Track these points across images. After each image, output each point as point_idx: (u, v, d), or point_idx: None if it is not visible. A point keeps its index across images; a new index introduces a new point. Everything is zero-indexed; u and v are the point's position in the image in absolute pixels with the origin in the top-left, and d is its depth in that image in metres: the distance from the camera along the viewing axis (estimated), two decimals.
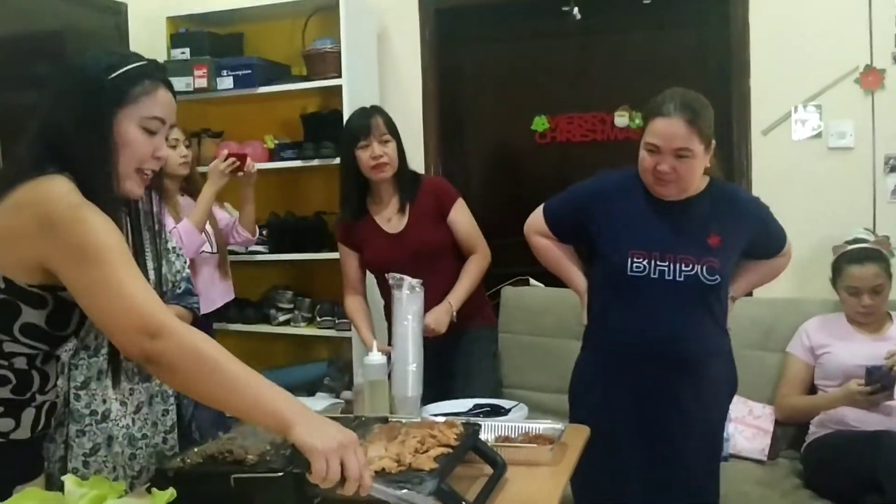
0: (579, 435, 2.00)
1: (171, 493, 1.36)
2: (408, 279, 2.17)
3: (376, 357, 2.13)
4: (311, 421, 1.38)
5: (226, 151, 3.43)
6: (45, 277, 1.47)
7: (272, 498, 1.43)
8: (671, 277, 2.28)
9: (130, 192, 1.57)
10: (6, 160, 1.56)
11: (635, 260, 2.30)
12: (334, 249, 3.85)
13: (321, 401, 2.89)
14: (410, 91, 4.06)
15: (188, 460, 1.59)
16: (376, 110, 3.02)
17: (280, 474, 1.45)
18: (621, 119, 3.89)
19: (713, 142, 2.28)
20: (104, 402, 2.10)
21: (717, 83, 3.72)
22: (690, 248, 2.29)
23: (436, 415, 2.04)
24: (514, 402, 2.16)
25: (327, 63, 3.79)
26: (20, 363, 1.54)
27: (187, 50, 4.03)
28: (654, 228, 2.32)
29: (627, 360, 2.34)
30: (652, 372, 2.32)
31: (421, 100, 4.05)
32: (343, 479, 1.36)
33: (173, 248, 2.35)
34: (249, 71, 3.92)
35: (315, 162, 3.86)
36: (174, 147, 3.30)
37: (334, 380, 3.90)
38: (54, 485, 1.98)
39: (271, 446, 1.62)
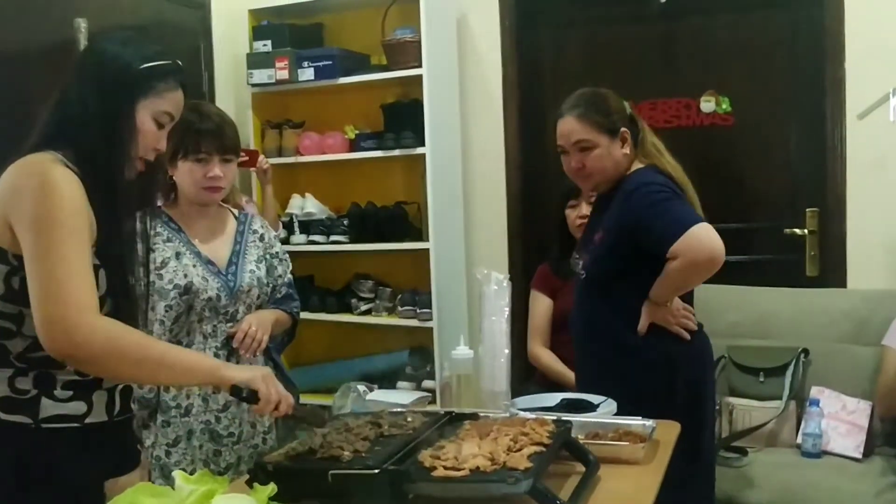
0: (671, 431, 1.97)
1: (272, 487, 1.39)
2: (495, 274, 2.16)
3: (465, 350, 2.14)
4: (230, 365, 1.71)
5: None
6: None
7: (368, 494, 1.44)
8: (578, 269, 2.46)
9: (129, 176, 1.62)
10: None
11: (575, 256, 2.52)
12: (415, 239, 3.90)
13: (406, 393, 2.92)
14: (490, 79, 4.03)
15: (286, 455, 1.61)
16: None
17: (376, 471, 1.46)
18: (707, 104, 3.80)
19: (623, 130, 2.36)
20: (188, 397, 2.16)
21: (809, 66, 3.62)
22: (587, 244, 2.43)
23: (524, 409, 2.02)
24: (602, 398, 2.13)
25: (407, 52, 3.79)
26: None
27: (269, 42, 4.07)
28: (589, 226, 2.53)
29: (574, 345, 2.54)
30: (588, 356, 2.47)
31: (501, 88, 4.02)
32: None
33: (276, 252, 2.40)
34: (330, 62, 3.95)
35: (396, 152, 3.87)
36: None
37: (415, 370, 3.92)
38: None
39: (367, 442, 1.64)
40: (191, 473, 1.40)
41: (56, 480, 1.54)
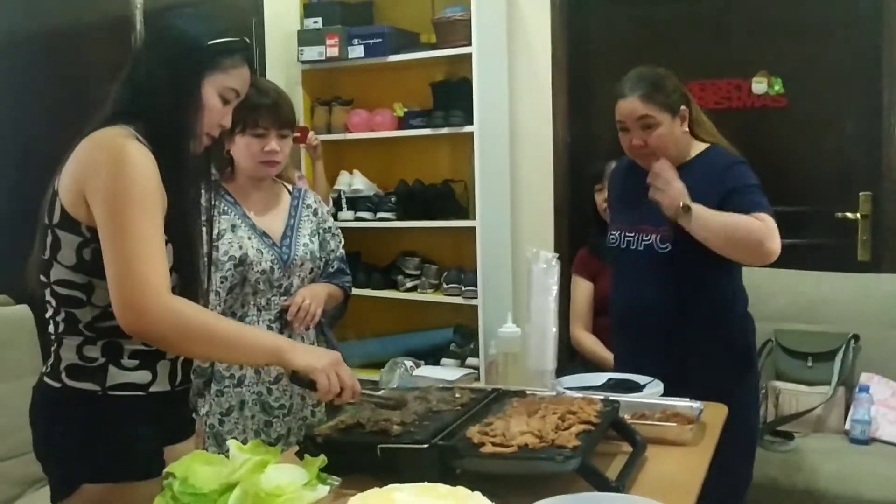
0: (718, 414, 1.96)
1: (322, 459, 1.42)
2: (543, 252, 2.16)
3: (512, 328, 2.15)
4: (299, 347, 1.65)
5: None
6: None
7: (417, 468, 1.46)
8: (634, 248, 2.40)
9: (195, 151, 1.65)
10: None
11: (612, 232, 2.49)
12: (462, 217, 3.91)
13: (452, 369, 2.93)
14: (539, 57, 4.01)
15: (335, 428, 1.64)
16: (612, 157, 3.06)
17: (425, 446, 1.48)
18: (759, 85, 3.73)
19: (683, 109, 2.37)
20: (241, 368, 2.21)
21: (866, 47, 3.53)
22: (653, 219, 2.36)
23: (570, 388, 2.03)
24: (649, 378, 2.13)
25: (457, 31, 3.79)
26: None
27: (319, 20, 4.10)
28: (633, 202, 2.46)
29: (616, 325, 2.56)
30: (632, 337, 2.45)
31: (550, 66, 3.99)
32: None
33: (329, 227, 2.43)
34: (380, 39, 3.96)
35: (444, 130, 3.88)
36: None
37: (459, 347, 3.95)
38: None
39: (416, 417, 1.65)
40: (243, 443, 1.43)
41: (120, 446, 1.58)
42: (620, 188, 2.59)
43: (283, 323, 2.24)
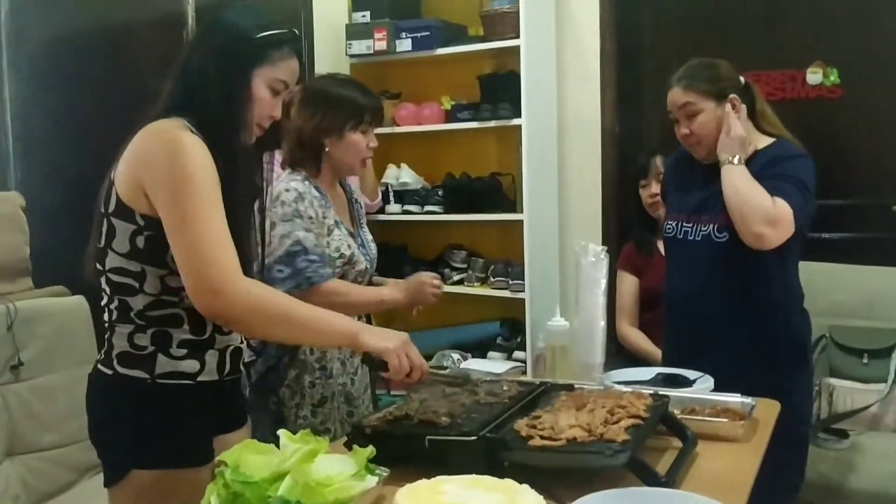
0: (771, 410, 1.93)
1: (370, 450, 1.42)
2: (592, 246, 2.15)
3: (560, 321, 2.14)
4: (372, 329, 1.70)
5: None
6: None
7: (464, 460, 1.45)
8: (692, 238, 2.38)
9: (245, 143, 1.67)
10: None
11: (669, 222, 2.47)
12: (509, 210, 3.90)
13: (499, 362, 2.93)
14: (588, 50, 3.98)
15: (384, 419, 1.65)
16: (657, 152, 3.12)
17: (474, 438, 1.48)
18: (814, 76, 3.66)
19: (732, 97, 2.33)
20: (330, 360, 2.23)
21: None
22: (712, 209, 2.33)
23: (619, 382, 2.01)
24: (699, 374, 2.10)
25: (505, 23, 3.77)
26: (189, 298, 1.61)
27: (368, 13, 4.11)
28: (690, 192, 2.44)
29: (668, 318, 2.52)
30: (685, 329, 2.42)
31: (598, 59, 3.96)
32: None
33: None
34: (428, 33, 3.96)
35: (491, 123, 3.87)
36: None
37: (506, 340, 3.94)
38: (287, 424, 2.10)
39: (462, 409, 1.66)
40: (333, 434, 1.44)
41: (168, 433, 1.61)
42: (677, 177, 2.56)
43: (367, 319, 2.30)
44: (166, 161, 1.53)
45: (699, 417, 1.79)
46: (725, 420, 1.77)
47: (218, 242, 1.53)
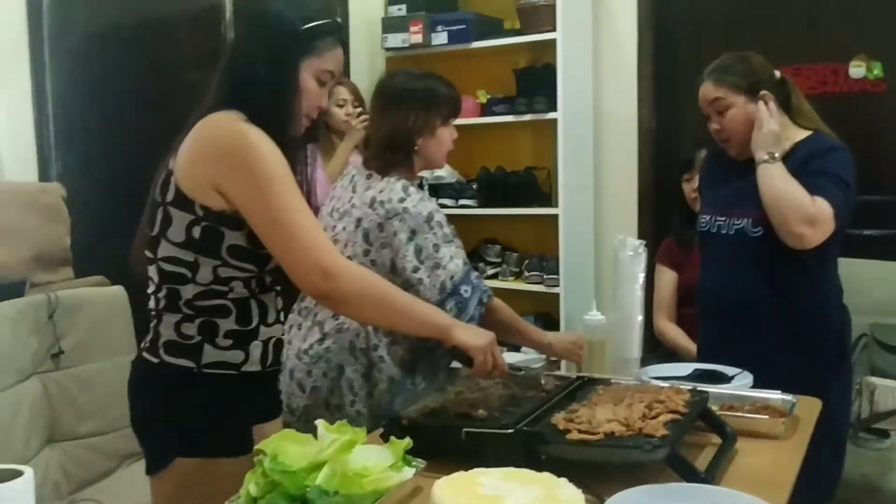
0: (811, 408, 1.90)
1: (407, 442, 1.42)
2: (630, 240, 2.12)
3: (597, 316, 2.12)
4: (461, 325, 1.79)
5: (359, 109, 3.47)
6: (227, 203, 1.58)
7: (501, 453, 1.44)
8: (725, 232, 2.35)
9: (294, 135, 1.69)
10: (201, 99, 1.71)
11: (703, 216, 2.45)
12: (544, 205, 3.88)
13: (532, 356, 2.92)
14: (625, 44, 3.94)
15: (420, 411, 1.64)
16: (702, 145, 3.04)
17: (511, 431, 1.48)
18: (857, 70, 3.59)
19: (764, 93, 2.29)
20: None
21: None
22: (746, 204, 2.30)
23: (655, 378, 1.99)
24: (737, 370, 2.08)
25: (541, 16, 3.75)
26: (239, 290, 1.64)
27: (403, 6, 4.11)
28: (724, 187, 2.42)
29: (702, 313, 2.51)
30: (717, 325, 2.41)
31: (636, 53, 3.92)
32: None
33: None
34: (463, 26, 3.95)
35: (527, 117, 3.85)
36: (341, 106, 3.40)
37: None
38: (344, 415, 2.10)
39: (499, 402, 1.65)
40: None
41: (212, 422, 1.63)
42: (712, 171, 2.54)
43: None
44: (242, 157, 1.55)
45: (739, 414, 1.77)
46: (766, 417, 1.75)
47: (315, 228, 1.60)
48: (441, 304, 2.06)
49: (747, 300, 2.32)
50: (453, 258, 2.11)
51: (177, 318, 1.63)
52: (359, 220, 2.16)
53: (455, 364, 2.05)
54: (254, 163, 1.55)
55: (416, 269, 2.08)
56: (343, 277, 1.59)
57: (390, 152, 2.20)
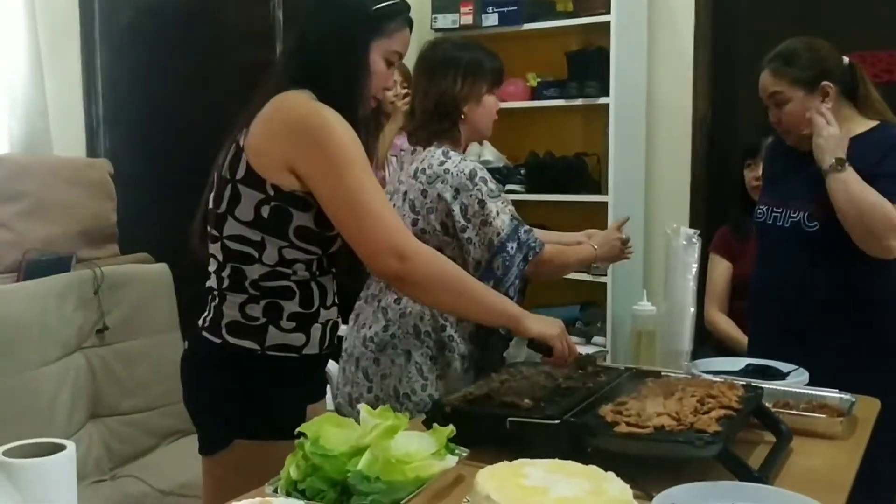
0: (870, 408, 1.83)
1: (450, 429, 1.39)
2: (684, 229, 2.06)
3: (647, 306, 2.07)
4: (531, 316, 1.75)
5: (403, 91, 3.41)
6: (299, 183, 1.56)
7: (546, 444, 1.41)
8: (780, 224, 2.29)
9: (363, 115, 1.68)
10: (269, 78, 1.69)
11: (760, 206, 2.38)
12: (593, 192, 3.81)
13: (579, 347, 2.87)
14: (682, 28, 3.84)
15: (464, 399, 1.61)
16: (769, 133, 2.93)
17: (557, 422, 1.43)
18: None
19: (825, 84, 2.21)
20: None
21: None
22: (803, 195, 2.24)
23: (706, 372, 1.93)
24: (792, 366, 2.01)
25: None
26: (301, 272, 1.62)
27: None
28: (783, 178, 2.36)
29: (754, 306, 2.45)
30: (770, 319, 2.34)
31: (693, 38, 3.82)
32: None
33: None
34: (515, 7, 3.89)
35: (578, 101, 3.78)
36: (390, 88, 3.34)
37: (585, 325, 3.87)
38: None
39: (544, 392, 1.61)
40: None
41: (273, 404, 1.62)
42: (774, 161, 2.46)
43: None
44: (317, 136, 1.54)
45: (794, 412, 1.71)
46: (823, 416, 1.68)
47: (390, 210, 1.58)
48: (489, 263, 2.07)
49: (801, 295, 2.25)
50: (500, 213, 2.09)
51: (242, 298, 1.62)
52: (405, 194, 2.16)
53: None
54: (329, 142, 1.53)
55: (463, 229, 2.08)
56: (417, 259, 1.56)
57: (437, 121, 2.19)
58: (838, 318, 2.21)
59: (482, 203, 2.07)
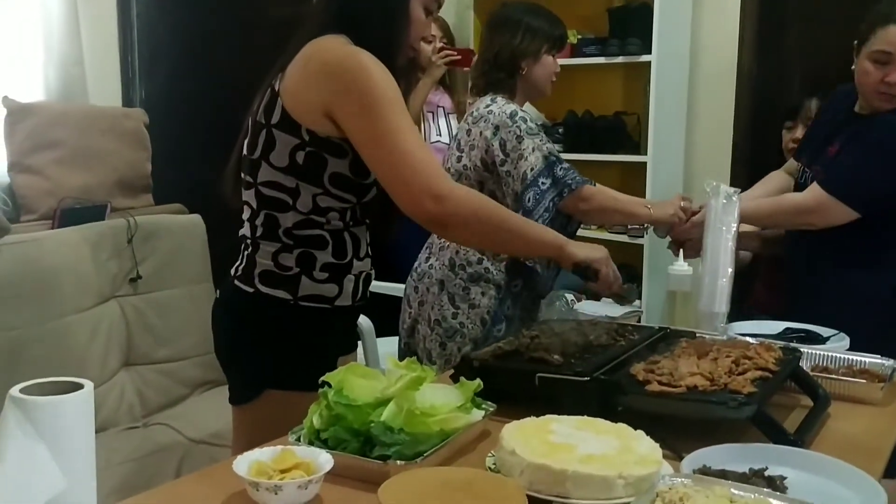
0: None
1: (478, 383, 1.36)
2: (724, 187, 2.00)
3: (683, 266, 2.01)
4: (573, 243, 1.73)
5: (440, 44, 3.36)
6: (335, 128, 1.54)
7: (575, 401, 1.38)
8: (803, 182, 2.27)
9: (401, 64, 1.63)
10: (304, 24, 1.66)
11: (801, 168, 2.36)
12: (632, 152, 3.74)
13: (612, 306, 2.83)
14: None
15: (492, 353, 1.58)
16: (813, 94, 2.95)
17: (587, 379, 1.40)
18: None
19: None
20: None
21: None
22: (825, 160, 2.22)
23: (743, 335, 1.88)
24: (833, 331, 1.95)
25: None
26: (335, 221, 1.60)
27: None
28: (822, 139, 2.29)
29: (786, 269, 2.41)
30: (798, 283, 2.33)
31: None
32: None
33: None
34: None
35: (619, 59, 3.70)
36: (429, 42, 3.30)
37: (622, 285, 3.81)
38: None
39: (575, 348, 1.58)
40: None
41: (305, 355, 1.61)
42: (821, 120, 2.39)
43: None
44: (353, 79, 1.51)
45: (833, 377, 1.66)
46: (863, 381, 1.63)
47: (426, 152, 1.55)
48: (521, 194, 2.18)
49: (835, 260, 2.20)
50: (535, 150, 2.20)
51: (275, 247, 1.60)
52: (456, 136, 2.38)
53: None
54: (365, 84, 1.50)
55: (502, 163, 2.22)
56: (454, 200, 1.53)
57: (495, 70, 2.33)
58: (878, 280, 2.16)
59: (520, 139, 2.20)
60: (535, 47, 2.31)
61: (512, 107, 2.26)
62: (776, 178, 2.54)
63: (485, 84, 2.36)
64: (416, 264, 2.41)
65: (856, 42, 2.19)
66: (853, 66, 2.21)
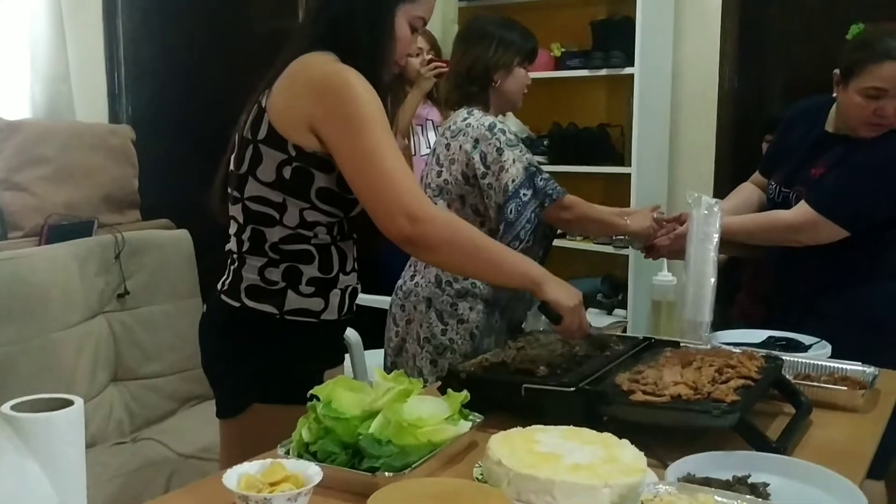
0: (893, 381, 1.79)
1: (465, 395, 1.38)
2: (705, 198, 2.03)
3: (668, 276, 2.04)
4: (553, 280, 1.66)
5: (429, 56, 3.38)
6: (321, 144, 1.55)
7: (561, 411, 1.40)
8: (792, 206, 2.24)
9: (387, 79, 1.65)
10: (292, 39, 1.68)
11: (771, 183, 2.35)
12: (616, 163, 3.77)
13: (599, 317, 2.86)
14: None
15: (479, 365, 1.60)
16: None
17: (572, 389, 1.42)
18: None
19: None
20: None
21: None
22: (807, 179, 2.21)
23: (727, 343, 1.91)
24: (815, 339, 1.98)
25: None
26: (322, 235, 1.61)
27: None
28: (794, 155, 2.30)
29: (769, 281, 2.41)
30: (780, 295, 2.33)
31: (720, 6, 3.74)
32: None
33: None
34: None
35: (602, 72, 3.74)
36: (417, 55, 3.32)
37: (606, 297, 3.85)
38: None
39: (561, 360, 1.59)
40: None
41: (291, 369, 1.62)
42: (792, 134, 2.37)
43: None
44: (338, 96, 1.52)
45: (815, 384, 1.68)
46: (844, 388, 1.65)
47: (406, 172, 1.55)
48: (503, 206, 2.22)
49: (808, 271, 2.22)
50: (516, 161, 2.23)
51: (261, 261, 1.61)
52: (434, 150, 2.41)
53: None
54: (349, 102, 1.51)
55: (484, 175, 2.25)
56: (430, 222, 1.52)
57: (468, 83, 2.35)
58: (847, 292, 2.18)
59: (500, 150, 2.23)
60: (508, 60, 2.34)
61: (490, 119, 2.29)
62: (747, 190, 2.54)
63: (458, 97, 2.39)
64: (399, 282, 2.42)
65: (837, 71, 2.17)
66: (834, 94, 2.22)
